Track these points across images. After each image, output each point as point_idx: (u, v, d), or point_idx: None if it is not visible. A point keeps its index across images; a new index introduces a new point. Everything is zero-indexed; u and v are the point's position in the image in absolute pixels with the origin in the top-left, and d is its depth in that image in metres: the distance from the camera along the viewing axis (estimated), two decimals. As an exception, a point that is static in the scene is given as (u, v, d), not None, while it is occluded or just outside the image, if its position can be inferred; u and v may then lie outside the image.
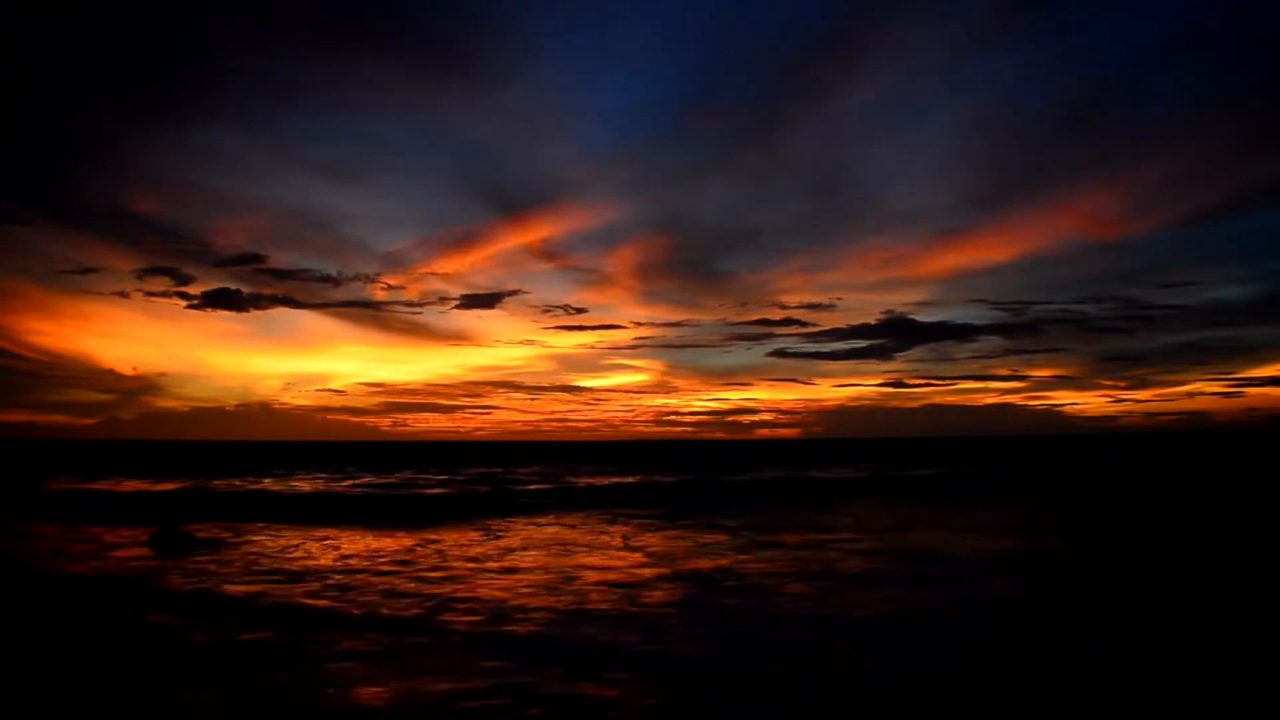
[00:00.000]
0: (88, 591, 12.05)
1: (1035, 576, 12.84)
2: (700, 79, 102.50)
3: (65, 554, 15.72)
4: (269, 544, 16.91)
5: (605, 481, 38.97)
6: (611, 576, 12.69)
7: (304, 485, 36.51)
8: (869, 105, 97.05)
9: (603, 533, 19.16)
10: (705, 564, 13.95)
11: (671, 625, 9.37)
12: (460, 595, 11.17)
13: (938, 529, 19.63)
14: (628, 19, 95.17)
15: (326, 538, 18.10)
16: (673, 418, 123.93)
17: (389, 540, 17.73)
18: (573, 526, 20.54)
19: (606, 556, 15.09)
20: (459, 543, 17.27)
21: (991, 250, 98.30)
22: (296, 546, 16.58)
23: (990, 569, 13.33)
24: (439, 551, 15.82)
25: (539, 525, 20.97)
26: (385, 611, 10.17)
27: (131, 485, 35.13)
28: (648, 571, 13.19)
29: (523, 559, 14.80)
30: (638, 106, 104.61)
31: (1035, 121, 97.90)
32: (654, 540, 17.55)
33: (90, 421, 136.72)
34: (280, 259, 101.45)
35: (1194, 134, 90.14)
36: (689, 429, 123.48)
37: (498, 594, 11.27)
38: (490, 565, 14.00)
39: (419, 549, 16.21)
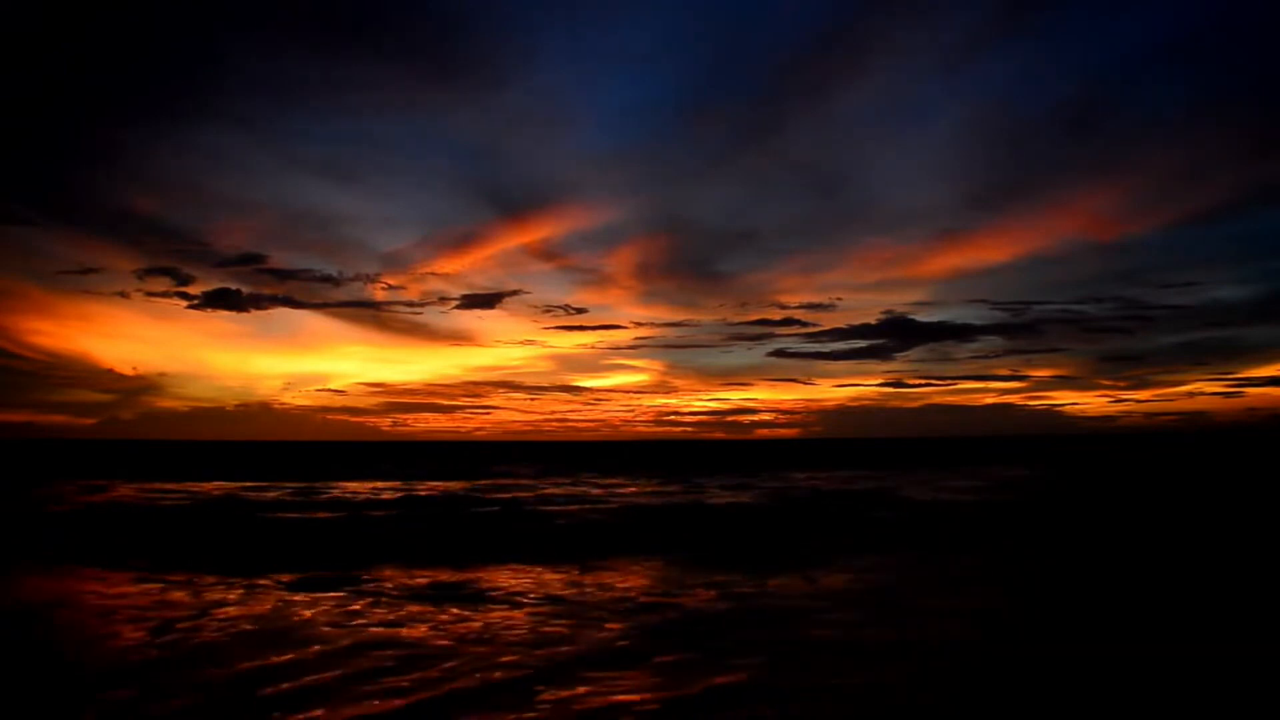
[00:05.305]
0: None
1: None
2: (700, 79, 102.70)
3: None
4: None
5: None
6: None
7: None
8: (869, 106, 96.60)
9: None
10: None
11: None
12: None
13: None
14: (628, 19, 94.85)
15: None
16: (673, 418, 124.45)
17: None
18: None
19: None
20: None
21: (991, 250, 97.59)
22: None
23: None
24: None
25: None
26: None
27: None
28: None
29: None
30: (638, 106, 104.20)
31: (1035, 122, 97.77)
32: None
33: (90, 421, 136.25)
34: (280, 259, 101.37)
35: (1194, 134, 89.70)
36: (689, 429, 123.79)
37: None
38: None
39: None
